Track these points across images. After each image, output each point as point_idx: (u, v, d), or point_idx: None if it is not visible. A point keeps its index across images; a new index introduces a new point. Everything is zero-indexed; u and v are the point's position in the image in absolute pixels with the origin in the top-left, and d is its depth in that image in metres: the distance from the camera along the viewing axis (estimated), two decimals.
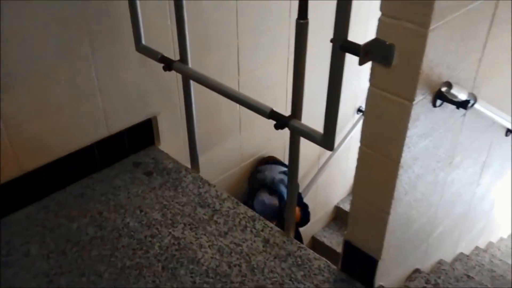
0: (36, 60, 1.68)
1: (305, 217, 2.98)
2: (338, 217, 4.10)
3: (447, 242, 2.36)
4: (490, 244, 3.29)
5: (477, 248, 2.94)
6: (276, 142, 2.92)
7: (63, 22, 1.69)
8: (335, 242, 3.89)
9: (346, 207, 4.04)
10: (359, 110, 3.65)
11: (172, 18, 1.89)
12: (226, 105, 2.40)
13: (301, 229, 2.94)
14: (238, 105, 2.49)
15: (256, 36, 2.39)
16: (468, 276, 2.12)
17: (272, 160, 2.89)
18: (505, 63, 1.78)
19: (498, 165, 2.39)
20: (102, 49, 1.83)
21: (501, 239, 3.53)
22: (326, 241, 3.89)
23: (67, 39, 1.72)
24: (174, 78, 2.11)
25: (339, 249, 3.79)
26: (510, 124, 2.01)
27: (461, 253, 2.64)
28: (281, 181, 2.70)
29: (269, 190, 2.66)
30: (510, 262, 3.03)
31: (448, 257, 2.49)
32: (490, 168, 2.28)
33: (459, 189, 2.02)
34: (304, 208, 2.98)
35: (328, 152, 3.53)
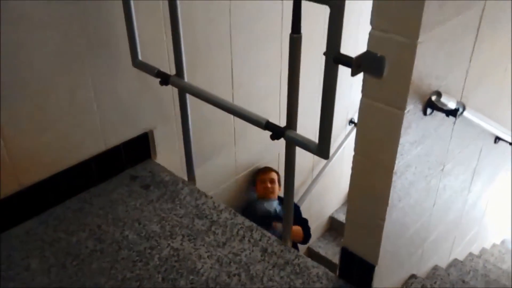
0: (33, 76, 1.72)
1: (307, 234, 3.02)
2: (333, 227, 4.13)
3: (442, 248, 2.40)
4: (483, 250, 3.34)
5: (470, 254, 2.98)
6: (270, 154, 2.97)
7: (61, 38, 1.73)
8: (330, 252, 3.92)
9: (341, 217, 4.07)
10: (351, 122, 3.71)
11: (167, 34, 1.93)
12: (220, 119, 2.44)
13: None
14: (232, 118, 2.54)
15: (249, 50, 2.44)
16: (463, 281, 2.16)
17: (264, 193, 2.91)
18: (491, 73, 1.84)
19: (488, 172, 2.44)
20: (100, 65, 1.87)
21: (494, 245, 3.58)
22: (322, 251, 3.92)
23: (65, 55, 1.76)
24: (169, 93, 2.15)
25: (334, 259, 3.81)
26: (499, 132, 2.06)
27: (456, 259, 2.68)
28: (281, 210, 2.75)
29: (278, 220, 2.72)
30: (503, 267, 3.07)
31: (443, 262, 2.52)
32: (481, 175, 2.33)
33: (451, 196, 2.07)
34: (305, 224, 3.01)
35: (322, 164, 3.58)
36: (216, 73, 2.35)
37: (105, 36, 1.84)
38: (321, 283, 1.69)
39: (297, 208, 3.02)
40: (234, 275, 1.71)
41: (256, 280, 1.69)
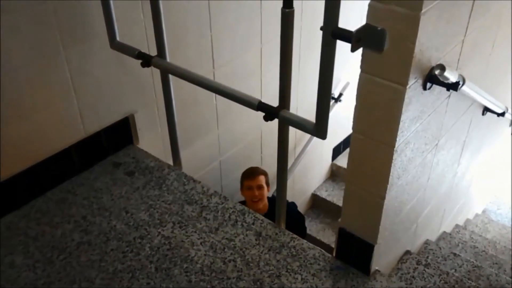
0: (7, 63, 1.60)
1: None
2: (316, 204, 4.12)
3: (433, 222, 2.40)
4: (468, 221, 3.38)
5: (457, 225, 3.01)
6: (253, 132, 2.90)
7: (34, 22, 1.61)
8: (314, 229, 3.91)
9: (323, 194, 4.07)
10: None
11: (145, 13, 1.83)
12: (201, 100, 2.36)
13: None
14: (214, 99, 2.46)
15: (228, 29, 2.35)
16: (455, 254, 2.16)
17: None
18: (483, 44, 1.81)
19: (475, 144, 2.44)
20: (75, 48, 1.76)
21: (476, 215, 3.63)
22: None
23: (38, 38, 1.65)
24: (149, 75, 2.05)
25: (319, 236, 3.81)
26: (491, 104, 2.04)
27: (444, 232, 2.69)
28: None
29: None
30: (488, 237, 3.12)
31: (433, 236, 2.53)
32: (469, 147, 2.33)
33: (443, 170, 2.05)
34: (303, 224, 2.92)
35: (303, 142, 3.54)
36: (196, 53, 2.26)
37: (79, 17, 1.73)
38: (319, 264, 1.66)
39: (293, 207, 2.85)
40: (230, 261, 1.66)
41: (252, 265, 1.65)
